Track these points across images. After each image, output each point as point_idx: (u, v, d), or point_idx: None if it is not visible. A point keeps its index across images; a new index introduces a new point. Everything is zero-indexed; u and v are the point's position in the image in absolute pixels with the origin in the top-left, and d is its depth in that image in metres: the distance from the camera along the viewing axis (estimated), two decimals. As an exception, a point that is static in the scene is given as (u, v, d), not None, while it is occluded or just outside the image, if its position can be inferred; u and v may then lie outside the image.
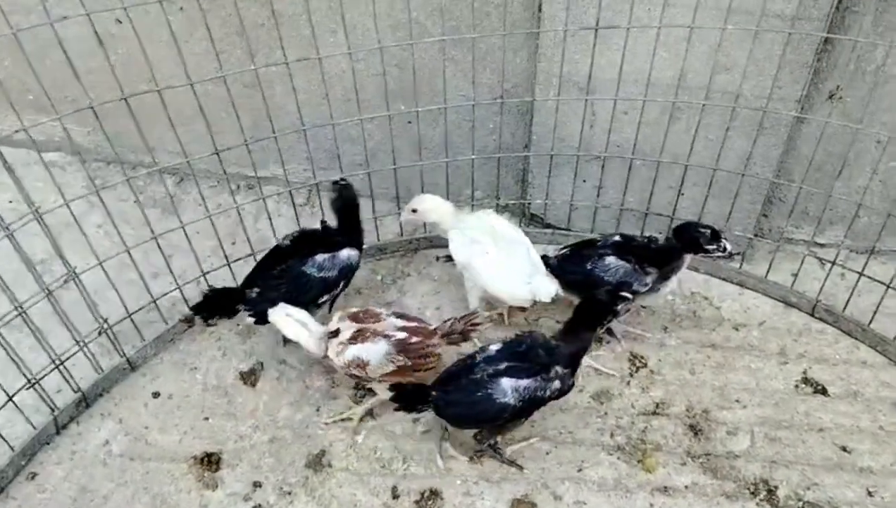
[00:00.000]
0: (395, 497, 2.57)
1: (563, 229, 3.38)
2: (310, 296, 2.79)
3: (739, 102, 2.79)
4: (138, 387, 2.91)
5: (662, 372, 2.91)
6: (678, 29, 2.69)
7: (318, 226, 2.95)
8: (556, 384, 2.40)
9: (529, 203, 3.36)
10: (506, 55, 3.00)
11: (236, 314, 2.79)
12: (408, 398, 2.47)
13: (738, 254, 3.18)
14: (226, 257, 3.09)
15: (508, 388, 2.37)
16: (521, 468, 2.62)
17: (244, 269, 3.06)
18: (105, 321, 2.79)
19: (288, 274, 2.78)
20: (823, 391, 2.85)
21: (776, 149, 2.91)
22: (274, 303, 2.64)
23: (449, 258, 3.01)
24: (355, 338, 2.57)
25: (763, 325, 3.10)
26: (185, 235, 2.94)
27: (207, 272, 3.07)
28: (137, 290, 2.93)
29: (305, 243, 2.84)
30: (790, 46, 2.67)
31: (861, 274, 2.98)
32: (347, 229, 2.86)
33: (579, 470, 2.63)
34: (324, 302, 2.86)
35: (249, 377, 2.95)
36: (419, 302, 3.20)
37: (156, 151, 2.74)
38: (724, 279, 3.27)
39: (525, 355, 2.42)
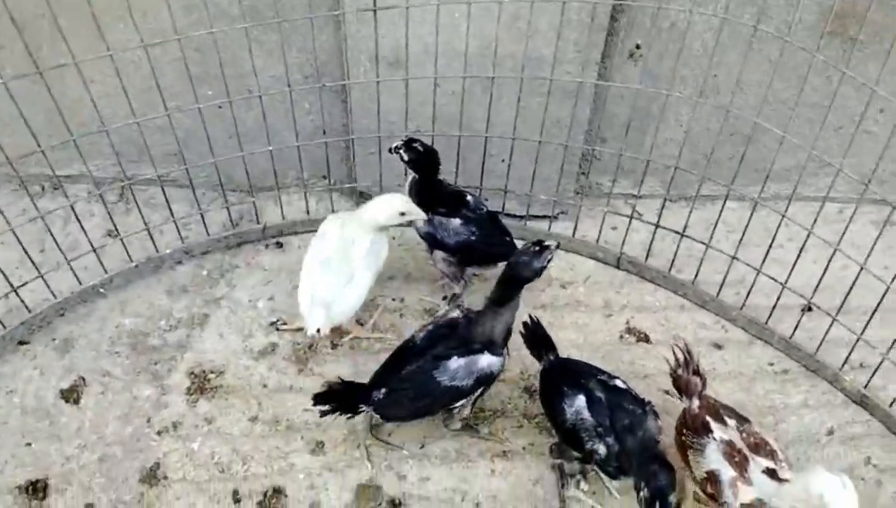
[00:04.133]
0: (237, 500, 2.52)
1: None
2: (439, 404, 2.52)
3: (544, 69, 2.83)
4: (-51, 420, 2.69)
5: (497, 338, 2.97)
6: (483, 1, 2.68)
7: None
8: None
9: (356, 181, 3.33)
10: (312, 32, 2.90)
11: (358, 413, 2.49)
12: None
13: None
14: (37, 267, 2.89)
15: None
16: None
17: (59, 276, 2.87)
18: None
19: (416, 378, 2.47)
20: (646, 339, 3.01)
21: (583, 111, 2.99)
22: (400, 407, 2.48)
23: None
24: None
25: (588, 281, 3.22)
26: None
27: (19, 286, 2.85)
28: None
29: (440, 340, 2.52)
30: (584, 11, 2.72)
31: (657, 225, 3.13)
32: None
33: (422, 447, 2.67)
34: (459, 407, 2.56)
35: (71, 395, 2.77)
36: (249, 294, 3.10)
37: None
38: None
39: None
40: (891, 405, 2.75)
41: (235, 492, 2.53)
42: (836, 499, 2.02)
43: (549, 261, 2.37)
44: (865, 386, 2.81)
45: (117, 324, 2.99)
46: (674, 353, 2.49)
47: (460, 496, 2.55)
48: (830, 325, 2.82)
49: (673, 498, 2.18)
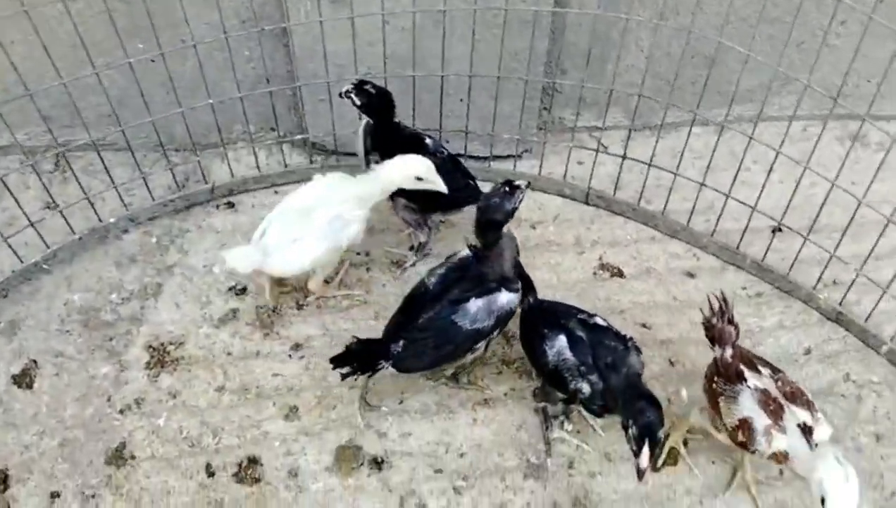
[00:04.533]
0: (211, 474, 2.41)
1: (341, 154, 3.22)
2: (462, 349, 2.41)
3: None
4: None
5: (467, 283, 2.88)
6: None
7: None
8: None
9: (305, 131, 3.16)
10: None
11: (377, 371, 2.36)
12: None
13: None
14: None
15: None
16: None
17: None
18: None
19: (435, 325, 2.35)
20: (620, 274, 2.95)
21: (541, 42, 2.86)
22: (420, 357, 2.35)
23: None
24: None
25: (558, 218, 3.13)
26: None
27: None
28: None
29: (454, 283, 2.39)
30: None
31: (624, 157, 3.04)
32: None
33: (401, 402, 2.58)
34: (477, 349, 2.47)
35: (24, 379, 2.62)
36: (204, 259, 2.94)
37: None
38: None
39: None
40: (866, 319, 2.75)
41: (208, 465, 2.43)
42: (834, 491, 1.98)
43: (520, 201, 2.30)
44: (840, 303, 2.80)
45: (66, 301, 2.82)
46: (709, 301, 2.38)
47: (444, 448, 2.49)
48: (802, 245, 2.80)
49: (661, 434, 2.14)
